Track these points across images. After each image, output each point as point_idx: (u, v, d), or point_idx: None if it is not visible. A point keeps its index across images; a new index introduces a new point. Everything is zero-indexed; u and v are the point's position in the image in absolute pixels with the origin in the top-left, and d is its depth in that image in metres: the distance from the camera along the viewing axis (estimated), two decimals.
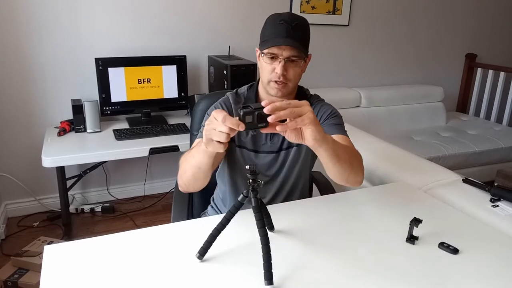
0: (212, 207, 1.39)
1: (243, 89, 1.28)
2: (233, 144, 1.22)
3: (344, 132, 1.21)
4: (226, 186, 1.29)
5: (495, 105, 3.57)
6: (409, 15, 3.36)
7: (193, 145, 1.17)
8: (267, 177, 1.25)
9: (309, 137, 0.88)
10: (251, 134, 1.22)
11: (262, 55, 1.14)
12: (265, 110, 0.81)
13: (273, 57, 1.12)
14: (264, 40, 1.14)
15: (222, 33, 2.71)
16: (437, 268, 0.91)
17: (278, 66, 1.11)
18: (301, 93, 1.27)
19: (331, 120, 1.22)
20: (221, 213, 1.31)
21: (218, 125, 0.84)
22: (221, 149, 0.88)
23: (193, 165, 1.04)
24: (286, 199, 1.27)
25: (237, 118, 0.82)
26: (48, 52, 2.36)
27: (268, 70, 1.13)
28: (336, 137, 1.17)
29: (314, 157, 1.29)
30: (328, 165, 1.00)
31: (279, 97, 1.17)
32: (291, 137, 0.90)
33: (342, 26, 3.12)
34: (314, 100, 1.28)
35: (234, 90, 1.28)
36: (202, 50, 2.69)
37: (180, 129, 2.37)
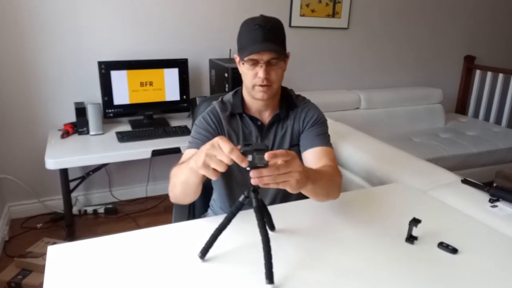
0: (212, 209, 1.40)
1: (228, 96, 1.28)
2: None
3: (326, 143, 1.22)
4: (222, 192, 1.31)
5: (494, 106, 3.58)
6: (408, 18, 3.38)
7: (183, 157, 1.17)
8: None
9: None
10: (241, 138, 1.24)
11: (243, 62, 1.14)
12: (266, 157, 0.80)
13: (254, 63, 1.13)
14: (242, 47, 1.14)
15: (223, 37, 2.73)
16: (436, 268, 0.92)
17: (260, 71, 1.12)
18: (285, 94, 1.28)
19: (315, 128, 1.24)
20: None
21: (221, 154, 0.81)
22: (215, 177, 0.86)
23: (182, 181, 1.02)
24: (283, 200, 1.28)
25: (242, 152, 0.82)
26: (51, 56, 2.38)
27: (251, 76, 1.14)
28: (318, 149, 1.19)
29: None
30: (305, 194, 1.02)
31: (265, 100, 1.18)
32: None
33: (341, 29, 3.14)
34: (300, 103, 1.29)
35: (220, 98, 1.29)
36: (204, 53, 2.72)
37: (182, 131, 2.39)
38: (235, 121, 1.25)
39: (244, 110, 1.24)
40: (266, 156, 0.79)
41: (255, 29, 1.11)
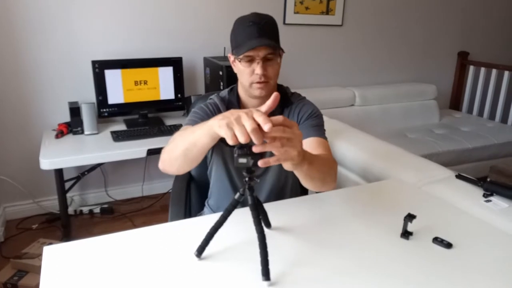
0: (207, 207, 1.40)
1: (224, 92, 1.28)
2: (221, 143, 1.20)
3: (322, 135, 1.22)
4: (218, 186, 1.30)
5: (487, 102, 3.61)
6: (402, 14, 3.39)
7: (181, 130, 1.13)
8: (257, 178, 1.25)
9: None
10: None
11: (239, 60, 1.14)
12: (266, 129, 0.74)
13: (250, 60, 1.12)
14: (237, 45, 1.14)
15: (218, 35, 2.73)
16: (431, 262, 0.93)
17: (257, 67, 1.12)
18: (281, 92, 1.26)
19: (311, 120, 1.23)
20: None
21: (247, 119, 0.75)
22: (232, 142, 0.77)
23: (190, 141, 0.94)
24: (278, 197, 1.29)
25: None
26: (45, 55, 2.37)
27: (248, 73, 1.14)
28: (313, 140, 1.18)
29: None
30: (301, 180, 1.00)
31: (263, 97, 1.18)
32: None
33: (335, 26, 3.15)
34: (296, 99, 1.29)
35: (216, 94, 1.28)
36: (198, 52, 2.71)
37: (177, 130, 2.37)
38: None
39: (240, 107, 1.24)
40: (279, 120, 0.75)
41: (249, 25, 1.11)
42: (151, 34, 2.58)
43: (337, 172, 1.14)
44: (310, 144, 1.19)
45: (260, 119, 0.74)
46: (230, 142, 0.78)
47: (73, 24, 2.39)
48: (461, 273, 0.90)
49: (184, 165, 1.02)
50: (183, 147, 0.97)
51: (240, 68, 1.16)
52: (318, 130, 1.22)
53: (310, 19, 3.02)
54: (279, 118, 0.77)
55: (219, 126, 0.79)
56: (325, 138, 1.23)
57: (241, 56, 1.12)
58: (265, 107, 0.79)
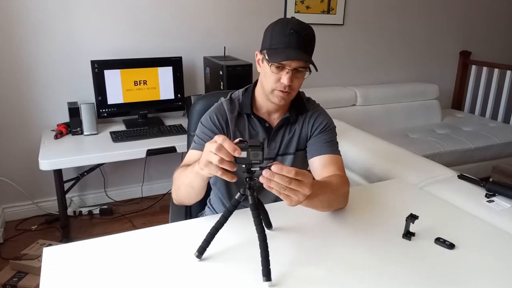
0: (209, 208, 1.39)
1: (238, 93, 1.25)
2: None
3: (335, 151, 1.21)
4: (220, 192, 1.29)
5: (489, 101, 3.60)
6: (403, 13, 3.38)
7: (187, 157, 1.16)
8: None
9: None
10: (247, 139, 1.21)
11: (270, 64, 1.09)
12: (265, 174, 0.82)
13: (280, 67, 1.09)
14: (272, 48, 1.10)
15: (217, 34, 2.72)
16: (433, 263, 0.92)
17: (285, 77, 1.09)
18: (296, 97, 1.25)
19: (324, 135, 1.22)
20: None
21: (214, 146, 0.84)
22: (218, 173, 0.86)
23: (187, 184, 1.03)
24: None
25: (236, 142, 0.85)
26: (44, 56, 2.36)
27: (274, 79, 1.11)
28: (326, 157, 1.18)
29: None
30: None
31: (282, 105, 1.17)
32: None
33: (337, 26, 3.14)
34: (310, 106, 1.27)
35: (228, 96, 1.25)
36: (198, 51, 2.70)
37: (177, 130, 2.37)
38: (242, 121, 1.22)
39: (252, 110, 1.22)
40: (292, 173, 0.81)
41: (289, 33, 1.07)
42: (151, 34, 2.58)
43: (348, 193, 1.14)
44: (321, 162, 1.18)
45: (226, 146, 0.83)
46: (217, 173, 0.86)
47: (72, 24, 2.38)
48: (463, 273, 0.89)
49: (194, 199, 1.10)
50: (184, 190, 1.06)
51: (267, 71, 1.12)
52: (331, 145, 1.22)
53: (311, 18, 3.00)
54: (290, 171, 0.82)
55: (201, 168, 0.89)
56: (338, 153, 1.22)
57: (275, 64, 1.09)
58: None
